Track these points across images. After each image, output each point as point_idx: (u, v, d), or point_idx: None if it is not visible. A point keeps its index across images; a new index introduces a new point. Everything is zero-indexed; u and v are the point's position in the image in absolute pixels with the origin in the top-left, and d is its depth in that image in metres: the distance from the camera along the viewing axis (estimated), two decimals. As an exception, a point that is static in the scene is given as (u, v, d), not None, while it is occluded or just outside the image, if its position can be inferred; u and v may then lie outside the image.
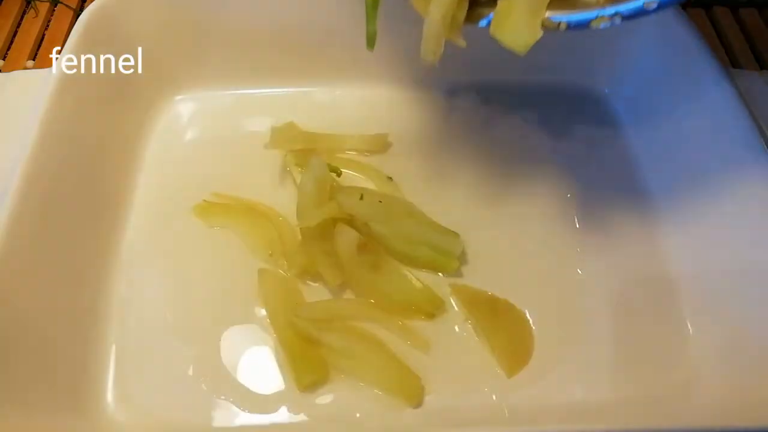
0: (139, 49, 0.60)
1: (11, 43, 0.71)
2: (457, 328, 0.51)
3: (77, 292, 0.49)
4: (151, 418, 0.46)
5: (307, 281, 0.52)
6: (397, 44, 0.63)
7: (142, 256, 0.54)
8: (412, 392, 0.46)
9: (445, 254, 0.52)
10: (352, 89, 0.66)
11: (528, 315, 0.51)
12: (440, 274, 0.53)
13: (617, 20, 0.40)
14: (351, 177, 0.59)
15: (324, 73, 0.65)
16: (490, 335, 0.50)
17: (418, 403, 0.46)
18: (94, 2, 0.57)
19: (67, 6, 0.74)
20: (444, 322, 0.51)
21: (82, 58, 0.54)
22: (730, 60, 0.71)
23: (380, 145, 0.61)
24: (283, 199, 0.57)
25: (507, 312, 0.51)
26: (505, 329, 0.50)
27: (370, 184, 0.58)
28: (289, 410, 0.47)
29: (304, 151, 0.58)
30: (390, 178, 0.58)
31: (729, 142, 0.52)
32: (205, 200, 0.57)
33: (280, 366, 0.48)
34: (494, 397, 0.47)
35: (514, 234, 0.56)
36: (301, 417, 0.46)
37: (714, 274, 0.52)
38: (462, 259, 0.53)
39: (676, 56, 0.59)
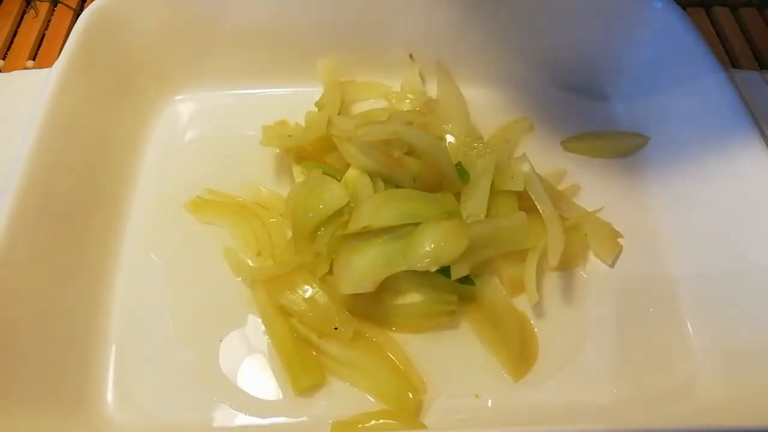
0: (139, 49, 0.60)
1: (11, 43, 0.71)
2: (461, 334, 0.51)
3: (77, 292, 0.49)
4: (151, 418, 0.46)
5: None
6: (398, 45, 0.64)
7: (142, 256, 0.54)
8: (408, 405, 0.46)
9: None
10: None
11: (530, 317, 0.52)
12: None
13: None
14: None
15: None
16: (493, 340, 0.50)
17: (412, 416, 0.46)
18: (94, 2, 0.57)
19: (67, 6, 0.74)
20: (448, 329, 0.51)
21: (82, 58, 0.54)
22: (730, 60, 0.71)
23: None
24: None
25: (509, 316, 0.51)
26: (508, 334, 0.50)
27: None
28: (286, 413, 0.47)
29: (302, 149, 0.58)
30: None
31: (729, 142, 0.52)
32: (198, 197, 0.57)
33: (278, 368, 0.48)
34: (500, 401, 0.48)
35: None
36: (298, 420, 0.46)
37: (714, 274, 0.52)
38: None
39: (676, 56, 0.59)
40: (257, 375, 0.48)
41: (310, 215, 0.51)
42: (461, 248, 0.46)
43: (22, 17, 0.73)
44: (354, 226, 0.48)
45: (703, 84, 0.55)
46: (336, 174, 0.54)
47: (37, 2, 0.74)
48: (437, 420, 0.46)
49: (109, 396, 0.47)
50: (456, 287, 0.50)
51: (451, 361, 0.49)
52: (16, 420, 0.41)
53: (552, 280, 0.54)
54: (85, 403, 0.46)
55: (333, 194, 0.51)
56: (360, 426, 0.45)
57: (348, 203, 0.51)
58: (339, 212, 0.51)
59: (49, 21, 0.73)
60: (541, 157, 0.57)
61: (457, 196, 0.53)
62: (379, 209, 0.49)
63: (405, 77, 0.64)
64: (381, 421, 0.45)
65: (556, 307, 0.52)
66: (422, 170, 0.53)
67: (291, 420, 0.46)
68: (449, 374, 0.49)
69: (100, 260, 0.53)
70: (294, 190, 0.55)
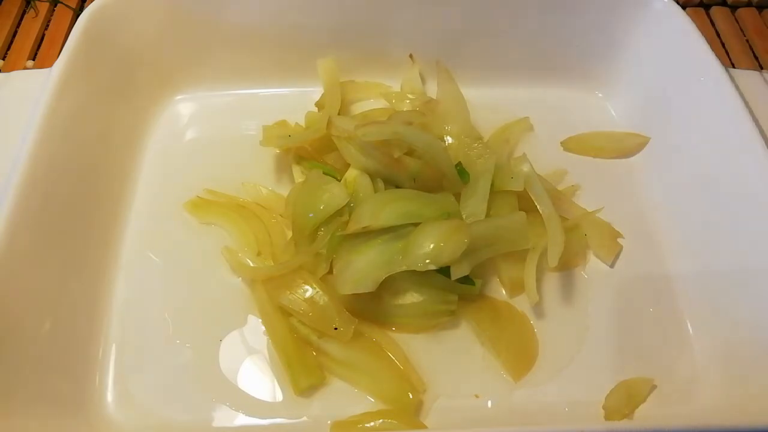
0: (139, 49, 0.60)
1: (11, 43, 0.71)
2: (461, 334, 0.51)
3: (77, 292, 0.49)
4: (151, 418, 0.46)
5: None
6: (398, 45, 0.64)
7: (142, 256, 0.54)
8: (408, 405, 0.46)
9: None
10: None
11: (530, 317, 0.52)
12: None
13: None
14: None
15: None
16: (493, 340, 0.49)
17: (412, 416, 0.46)
18: (94, 2, 0.57)
19: (67, 6, 0.74)
20: (448, 329, 0.51)
21: (82, 58, 0.54)
22: (730, 60, 0.71)
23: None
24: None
25: (509, 316, 0.51)
26: (508, 334, 0.50)
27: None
28: (286, 413, 0.47)
29: (302, 149, 0.58)
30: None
31: (729, 142, 0.52)
32: (198, 197, 0.57)
33: (278, 368, 0.48)
34: (500, 401, 0.48)
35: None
36: (298, 420, 0.46)
37: (714, 274, 0.52)
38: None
39: (676, 56, 0.59)
40: (257, 375, 0.48)
41: (311, 215, 0.51)
42: (461, 248, 0.46)
43: (22, 17, 0.73)
44: (354, 227, 0.48)
45: (703, 84, 0.55)
46: (336, 174, 0.55)
47: (37, 2, 0.74)
48: (437, 420, 0.46)
49: (109, 396, 0.47)
50: (456, 287, 0.50)
51: (451, 361, 0.49)
52: (17, 420, 0.41)
53: (552, 280, 0.54)
54: (85, 403, 0.46)
55: (333, 194, 0.51)
56: (360, 426, 0.45)
57: (348, 203, 0.51)
58: (339, 212, 0.51)
59: (49, 21, 0.73)
60: (541, 157, 0.57)
61: (457, 196, 0.53)
62: (378, 209, 0.49)
63: (405, 77, 0.65)
64: (381, 421, 0.45)
65: (556, 307, 0.52)
66: (422, 170, 0.53)
67: (291, 420, 0.46)
68: (449, 374, 0.49)
69: (100, 260, 0.53)
70: (294, 190, 0.55)
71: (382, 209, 0.49)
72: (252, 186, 0.58)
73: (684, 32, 0.58)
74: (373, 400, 0.47)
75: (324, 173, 0.54)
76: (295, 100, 0.63)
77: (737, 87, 0.53)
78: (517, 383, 0.48)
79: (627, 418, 0.46)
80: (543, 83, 0.66)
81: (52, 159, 0.49)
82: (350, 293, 0.47)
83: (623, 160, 0.62)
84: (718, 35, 0.74)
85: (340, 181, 0.53)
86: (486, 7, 0.61)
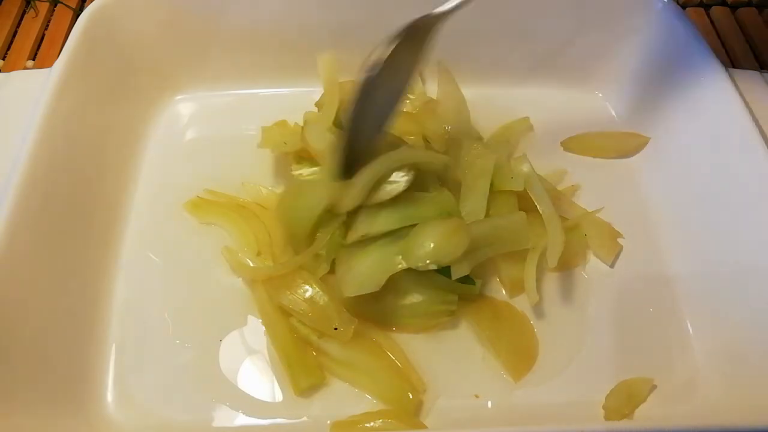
0: (139, 49, 0.60)
1: (11, 43, 0.71)
2: (461, 334, 0.51)
3: (77, 292, 0.49)
4: (151, 418, 0.46)
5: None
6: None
7: (142, 256, 0.54)
8: (408, 405, 0.46)
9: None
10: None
11: (530, 317, 0.52)
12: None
13: None
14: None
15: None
16: (493, 340, 0.49)
17: (412, 416, 0.46)
18: (94, 2, 0.57)
19: (67, 6, 0.74)
20: (448, 329, 0.51)
21: (82, 58, 0.54)
22: (730, 60, 0.71)
23: None
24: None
25: (509, 316, 0.51)
26: (508, 334, 0.50)
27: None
28: (286, 413, 0.47)
29: (302, 150, 0.58)
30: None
31: (729, 142, 0.52)
32: (198, 197, 0.57)
33: (279, 368, 0.48)
34: (500, 401, 0.48)
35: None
36: (298, 420, 0.46)
37: (714, 274, 0.52)
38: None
39: (676, 56, 0.59)
40: (257, 375, 0.48)
41: (299, 222, 0.51)
42: (462, 248, 0.46)
43: (22, 17, 0.73)
44: (353, 237, 0.48)
45: (703, 84, 0.55)
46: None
47: (37, 2, 0.74)
48: (437, 420, 0.46)
49: (109, 396, 0.47)
50: (456, 287, 0.50)
51: (451, 361, 0.49)
52: (17, 420, 0.41)
53: (552, 280, 0.54)
54: (85, 403, 0.46)
55: (313, 196, 0.50)
56: (360, 426, 0.45)
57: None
58: (335, 213, 0.51)
59: (49, 21, 0.73)
60: (541, 157, 0.57)
61: (457, 195, 0.53)
62: (374, 216, 0.48)
63: None
64: (381, 421, 0.45)
65: (556, 307, 0.52)
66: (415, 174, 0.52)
67: (291, 420, 0.46)
68: (449, 374, 0.49)
69: (100, 260, 0.53)
70: (278, 202, 0.54)
71: (377, 216, 0.48)
72: (252, 186, 0.58)
73: (684, 32, 0.58)
74: (373, 400, 0.47)
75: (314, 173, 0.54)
76: (295, 100, 0.63)
77: (737, 87, 0.53)
78: (517, 383, 0.48)
79: (627, 418, 0.46)
80: (543, 83, 0.66)
81: (52, 159, 0.49)
82: (354, 295, 0.47)
83: (623, 160, 0.62)
84: (718, 35, 0.74)
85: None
86: (486, 7, 0.61)
